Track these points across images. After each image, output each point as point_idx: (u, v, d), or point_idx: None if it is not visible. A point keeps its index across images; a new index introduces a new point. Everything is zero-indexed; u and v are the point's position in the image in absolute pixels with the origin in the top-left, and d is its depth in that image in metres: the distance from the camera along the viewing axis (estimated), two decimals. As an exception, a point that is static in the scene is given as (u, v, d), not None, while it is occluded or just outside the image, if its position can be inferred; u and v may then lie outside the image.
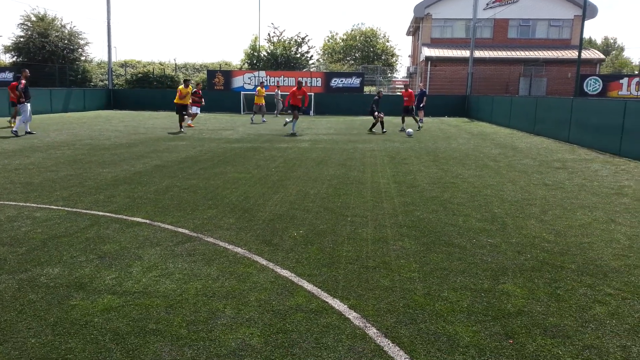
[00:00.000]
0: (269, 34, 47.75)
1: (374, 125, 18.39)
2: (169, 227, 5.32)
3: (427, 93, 25.94)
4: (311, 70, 44.64)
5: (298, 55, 45.86)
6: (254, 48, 45.19)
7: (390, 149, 12.87)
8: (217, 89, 34.79)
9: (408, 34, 50.47)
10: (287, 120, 17.73)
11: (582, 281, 3.95)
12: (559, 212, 6.21)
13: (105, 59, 38.10)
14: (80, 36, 39.25)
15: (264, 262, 4.27)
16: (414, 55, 47.05)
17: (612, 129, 12.40)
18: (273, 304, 3.43)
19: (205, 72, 38.48)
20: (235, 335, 3.01)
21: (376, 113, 17.93)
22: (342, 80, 35.16)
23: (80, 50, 39.47)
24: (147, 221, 5.53)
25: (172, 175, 8.46)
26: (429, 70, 37.19)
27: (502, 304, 3.51)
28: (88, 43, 42.67)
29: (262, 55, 44.91)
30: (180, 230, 5.20)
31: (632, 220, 5.88)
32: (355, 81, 34.86)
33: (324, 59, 56.24)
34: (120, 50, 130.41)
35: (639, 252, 4.67)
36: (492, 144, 14.78)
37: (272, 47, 45.23)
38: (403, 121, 19.99)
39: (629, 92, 35.04)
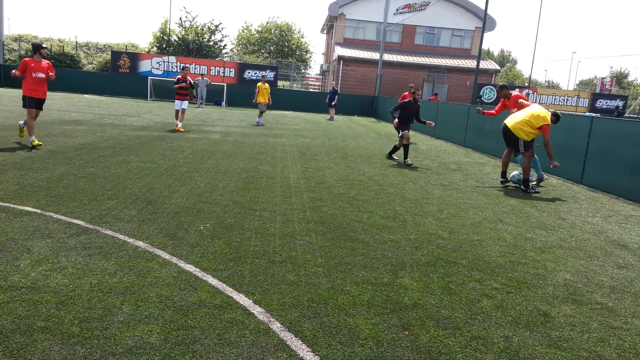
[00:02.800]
0: (180, 18, 46.10)
1: (396, 148, 11.42)
2: (63, 217, 4.96)
3: (338, 92, 26.45)
4: (224, 60, 43.70)
5: (211, 43, 44.70)
6: (164, 32, 43.33)
7: (302, 145, 12.98)
8: (122, 72, 32.91)
9: (322, 31, 51.12)
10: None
11: (472, 276, 4.26)
12: (454, 211, 6.64)
13: (-6, 30, 34.60)
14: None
15: (166, 256, 4.12)
16: (328, 54, 47.77)
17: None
18: (175, 300, 3.33)
19: (110, 53, 36.24)
20: (133, 332, 2.88)
21: (401, 132, 11.05)
22: (256, 73, 34.84)
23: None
24: (38, 211, 5.11)
25: (68, 162, 7.88)
26: (341, 69, 37.97)
27: (399, 297, 3.69)
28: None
29: (172, 39, 43.18)
30: (75, 221, 4.87)
31: (517, 220, 6.44)
32: (269, 74, 34.69)
33: (238, 50, 55.32)
34: (14, 22, 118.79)
35: (522, 250, 5.14)
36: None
37: (183, 32, 43.64)
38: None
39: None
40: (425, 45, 40.88)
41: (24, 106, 9.17)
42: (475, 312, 3.54)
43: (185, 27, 44.11)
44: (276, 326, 3.09)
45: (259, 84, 19.44)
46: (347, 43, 39.92)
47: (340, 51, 38.15)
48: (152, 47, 43.35)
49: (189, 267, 3.91)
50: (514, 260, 4.77)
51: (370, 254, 4.61)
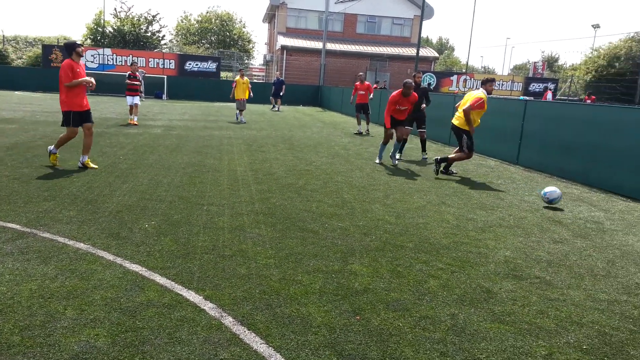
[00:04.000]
0: (115, 9, 44.15)
1: (402, 145, 10.47)
2: (-5, 222, 4.68)
3: (284, 82, 26.22)
4: (163, 51, 42.42)
5: (148, 34, 43.25)
6: (98, 23, 41.50)
7: (248, 137, 12.85)
8: (55, 67, 31.29)
9: (264, 21, 50.56)
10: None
11: (418, 258, 4.39)
12: (399, 196, 6.80)
13: None
14: None
15: (110, 257, 3.99)
16: (270, 44, 47.36)
17: (444, 122, 13.87)
18: (121, 302, 3.24)
19: (40, 47, 34.33)
20: (78, 337, 2.78)
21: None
22: (197, 64, 34.08)
23: None
24: (-33, 217, 4.80)
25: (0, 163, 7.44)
26: (284, 59, 37.76)
27: (350, 283, 3.75)
28: None
29: (107, 31, 41.42)
30: (10, 225, 4.61)
31: (458, 202, 6.67)
32: (211, 65, 34.04)
33: (177, 40, 53.82)
34: None
35: (464, 230, 5.34)
36: (342, 133, 15.58)
37: (119, 23, 41.94)
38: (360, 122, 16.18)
39: (457, 88, 39.42)
40: (367, 34, 41.33)
41: (66, 124, 7.34)
42: (422, 293, 3.66)
43: (120, 18, 42.39)
44: (228, 321, 3.07)
45: (237, 78, 18.17)
46: (290, 32, 39.71)
47: (283, 41, 37.92)
48: (86, 40, 41.44)
49: (135, 267, 3.81)
50: (457, 241, 4.95)
51: (320, 242, 4.65)
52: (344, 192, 6.88)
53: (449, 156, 8.72)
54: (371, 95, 16.13)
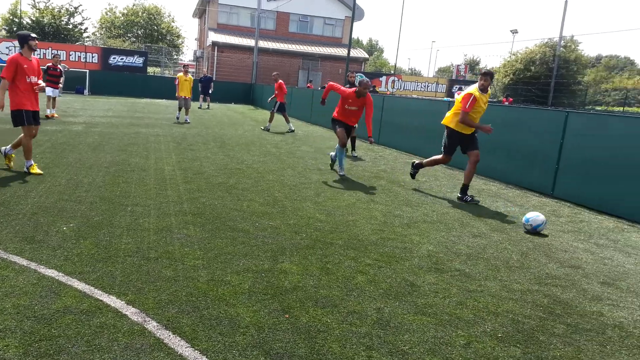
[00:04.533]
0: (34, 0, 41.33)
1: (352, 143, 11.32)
2: None
3: (213, 79, 25.60)
4: (86, 44, 40.29)
5: (70, 26, 40.94)
6: (14, 13, 38.73)
7: (177, 135, 12.49)
8: (-39, 58, 28.85)
9: (194, 16, 49.34)
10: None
11: (347, 255, 4.47)
12: (330, 194, 6.89)
13: None
14: None
15: (24, 262, 3.74)
16: (201, 39, 46.30)
17: (372, 121, 14.20)
18: (35, 309, 3.04)
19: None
20: (-14, 350, 2.59)
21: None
22: (122, 58, 32.64)
23: None
24: None
25: None
26: (215, 55, 37.06)
27: (280, 282, 3.76)
28: None
29: (24, 22, 38.78)
30: None
31: (386, 199, 6.87)
32: (137, 60, 32.73)
33: (101, 34, 51.29)
34: None
35: (391, 227, 5.50)
36: (274, 131, 15.53)
37: (37, 14, 39.37)
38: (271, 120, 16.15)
39: (386, 89, 40.49)
40: (299, 33, 41.44)
41: (19, 124, 6.72)
42: (350, 289, 3.73)
43: (39, 9, 39.78)
44: (152, 325, 2.97)
45: (180, 75, 16.87)
46: (221, 29, 39.01)
47: (214, 37, 37.18)
48: (1, 31, 38.56)
49: (51, 272, 3.59)
50: (385, 237, 5.09)
51: (250, 242, 4.62)
52: (276, 190, 6.87)
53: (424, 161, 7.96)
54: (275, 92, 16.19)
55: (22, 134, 6.86)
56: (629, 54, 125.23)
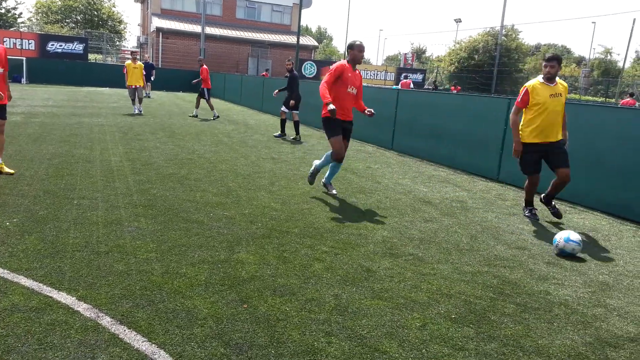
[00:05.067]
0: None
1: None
2: None
3: (154, 65, 24.42)
4: (21, 30, 38.03)
5: (2, 11, 38.51)
6: None
7: (122, 124, 12.06)
8: None
9: (137, 1, 47.52)
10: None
11: (303, 243, 4.50)
12: (285, 183, 6.88)
13: None
14: None
15: (-37, 261, 3.54)
16: (144, 25, 44.69)
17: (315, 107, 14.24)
18: (-21, 309, 2.89)
19: None
20: None
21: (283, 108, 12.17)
22: (61, 45, 31.08)
23: None
24: None
25: None
26: (160, 42, 35.92)
27: (237, 272, 3.73)
28: None
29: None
30: None
31: (340, 186, 6.93)
32: (77, 47, 31.28)
33: (37, 19, 48.54)
34: None
35: (346, 213, 5.57)
36: (225, 120, 15.30)
37: (-37, -3, 36.80)
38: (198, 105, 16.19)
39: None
40: (247, 19, 40.79)
41: None
42: (308, 276, 3.76)
43: (-36, -9, 37.18)
44: (106, 321, 2.89)
45: (128, 62, 15.33)
46: (165, 14, 37.79)
47: (158, 22, 35.99)
48: None
49: (-6, 271, 3.42)
50: (340, 224, 5.15)
51: (205, 233, 4.55)
52: (229, 180, 6.79)
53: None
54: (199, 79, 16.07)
55: None
56: (565, 42, 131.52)
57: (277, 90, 12.72)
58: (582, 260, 4.62)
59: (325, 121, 6.16)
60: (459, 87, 37.31)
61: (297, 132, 11.85)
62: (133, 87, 15.20)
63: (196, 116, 15.46)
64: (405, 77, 30.43)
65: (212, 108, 15.72)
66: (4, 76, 6.15)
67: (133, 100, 15.31)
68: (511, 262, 4.42)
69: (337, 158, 6.15)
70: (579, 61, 72.54)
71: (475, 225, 5.55)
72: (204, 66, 15.82)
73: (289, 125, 12.56)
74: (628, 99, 21.68)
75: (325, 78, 6.12)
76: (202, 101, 15.87)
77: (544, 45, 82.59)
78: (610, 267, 4.52)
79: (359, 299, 3.44)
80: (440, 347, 2.91)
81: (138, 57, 16.40)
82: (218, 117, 15.51)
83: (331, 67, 6.20)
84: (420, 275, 3.96)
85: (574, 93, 47.52)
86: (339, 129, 6.11)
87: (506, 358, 2.86)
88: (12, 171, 6.25)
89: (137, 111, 15.13)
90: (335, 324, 3.07)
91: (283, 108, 12.17)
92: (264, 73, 29.16)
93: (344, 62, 6.19)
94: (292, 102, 11.78)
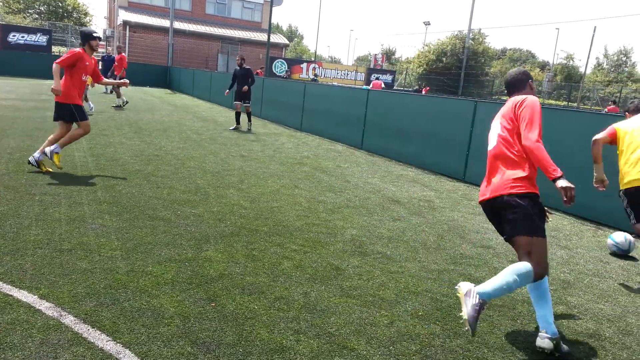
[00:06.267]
0: None
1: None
2: None
3: (114, 59, 23.06)
4: (-22, 19, 36.55)
5: (-42, -2, 37.00)
6: None
7: (86, 119, 11.73)
8: None
9: (103, -7, 46.33)
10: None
11: (273, 241, 4.48)
12: (254, 181, 6.84)
13: None
14: None
15: None
16: (111, 18, 43.64)
17: (295, 108, 14.25)
18: None
19: None
20: None
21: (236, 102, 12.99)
22: (23, 36, 30.02)
23: None
24: None
25: None
26: (127, 35, 35.13)
27: (205, 270, 3.69)
28: None
29: None
30: None
31: (310, 185, 6.94)
32: (40, 39, 30.28)
33: (-2, 9, 46.77)
34: None
35: (315, 212, 5.57)
36: (194, 117, 15.09)
37: None
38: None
39: (307, 75, 40.63)
40: (217, 15, 40.33)
41: (79, 119, 6.39)
42: (277, 275, 3.75)
43: None
44: (69, 320, 2.81)
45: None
46: (133, 7, 36.99)
47: (125, 16, 35.19)
48: None
49: (-51, 269, 3.28)
50: (309, 222, 5.16)
51: (172, 230, 4.48)
52: (197, 177, 6.70)
53: None
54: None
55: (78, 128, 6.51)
56: (530, 47, 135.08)
57: (227, 91, 13.41)
58: (543, 258, 4.76)
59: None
60: (428, 88, 37.86)
61: (249, 121, 12.95)
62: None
63: (121, 106, 15.51)
64: (377, 78, 30.68)
65: (119, 96, 15.70)
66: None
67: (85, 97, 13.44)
68: (476, 261, 4.52)
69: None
70: (543, 66, 74.70)
71: (442, 224, 5.65)
72: (123, 54, 17.18)
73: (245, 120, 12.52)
74: (612, 106, 22.57)
75: None
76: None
77: (510, 49, 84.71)
78: (571, 265, 4.68)
79: (327, 297, 3.46)
80: (407, 344, 2.95)
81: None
82: (120, 106, 15.48)
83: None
84: (388, 273, 4.01)
85: (537, 97, 48.84)
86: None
87: (472, 354, 2.92)
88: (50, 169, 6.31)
89: (89, 108, 13.19)
90: (304, 321, 3.08)
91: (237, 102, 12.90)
92: (258, 71, 28.74)
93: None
94: (244, 87, 12.64)
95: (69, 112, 6.32)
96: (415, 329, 3.14)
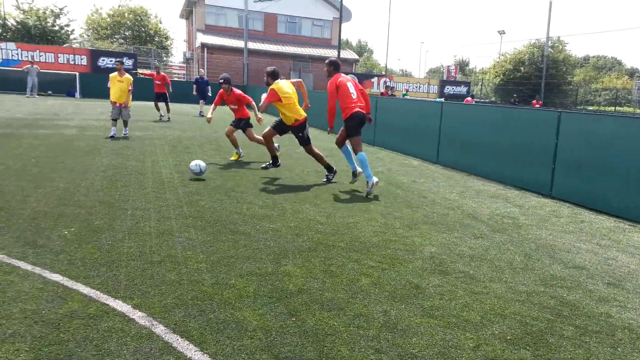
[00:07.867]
0: (17, 0, 40.88)
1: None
2: None
3: (209, 82, 24.14)
4: (73, 46, 39.95)
5: (56, 28, 40.61)
6: (-3, 15, 38.37)
7: (171, 138, 12.42)
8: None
9: (181, 17, 49.15)
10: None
11: (350, 257, 4.47)
12: (328, 196, 6.88)
13: None
14: None
15: (28, 267, 3.70)
16: (190, 41, 46.12)
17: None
18: (43, 314, 3.01)
19: None
20: (-6, 357, 2.55)
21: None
22: (111, 60, 32.38)
23: None
24: None
25: None
26: (205, 57, 36.93)
27: (284, 284, 3.74)
28: None
29: (9, 24, 38.40)
30: None
31: (385, 201, 6.87)
32: (127, 62, 32.48)
33: (88, 35, 50.89)
34: None
35: (392, 228, 5.50)
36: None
37: (22, 16, 38.99)
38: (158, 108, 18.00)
39: (378, 89, 40.54)
40: (288, 34, 41.43)
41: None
42: (355, 291, 3.73)
43: (24, 10, 39.39)
44: (160, 329, 2.95)
45: (112, 75, 12.51)
46: (209, 30, 38.87)
47: (202, 38, 37.05)
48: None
49: (56, 277, 3.56)
50: (386, 239, 5.09)
51: (252, 245, 4.60)
52: (274, 192, 6.85)
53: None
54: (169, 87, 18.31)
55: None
56: (615, 54, 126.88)
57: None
58: (643, 281, 4.38)
59: (349, 121, 7.59)
60: (540, 102, 35.16)
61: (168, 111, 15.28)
62: (117, 105, 11.92)
63: (161, 117, 17.85)
64: (472, 97, 30.06)
65: (168, 111, 17.90)
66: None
67: (115, 120, 11.93)
68: (568, 282, 4.24)
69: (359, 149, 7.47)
70: (632, 73, 69.73)
71: (529, 243, 5.37)
72: (161, 73, 18.39)
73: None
74: None
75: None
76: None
77: (593, 57, 79.96)
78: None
79: (408, 316, 3.38)
80: (495, 368, 2.81)
81: (121, 68, 12.71)
82: (166, 119, 17.63)
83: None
84: (472, 293, 3.85)
85: (627, 106, 45.67)
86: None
87: (567, 383, 2.73)
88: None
89: (113, 133, 11.76)
90: (385, 341, 3.02)
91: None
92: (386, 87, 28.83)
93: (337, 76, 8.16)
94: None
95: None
96: (504, 353, 2.98)
